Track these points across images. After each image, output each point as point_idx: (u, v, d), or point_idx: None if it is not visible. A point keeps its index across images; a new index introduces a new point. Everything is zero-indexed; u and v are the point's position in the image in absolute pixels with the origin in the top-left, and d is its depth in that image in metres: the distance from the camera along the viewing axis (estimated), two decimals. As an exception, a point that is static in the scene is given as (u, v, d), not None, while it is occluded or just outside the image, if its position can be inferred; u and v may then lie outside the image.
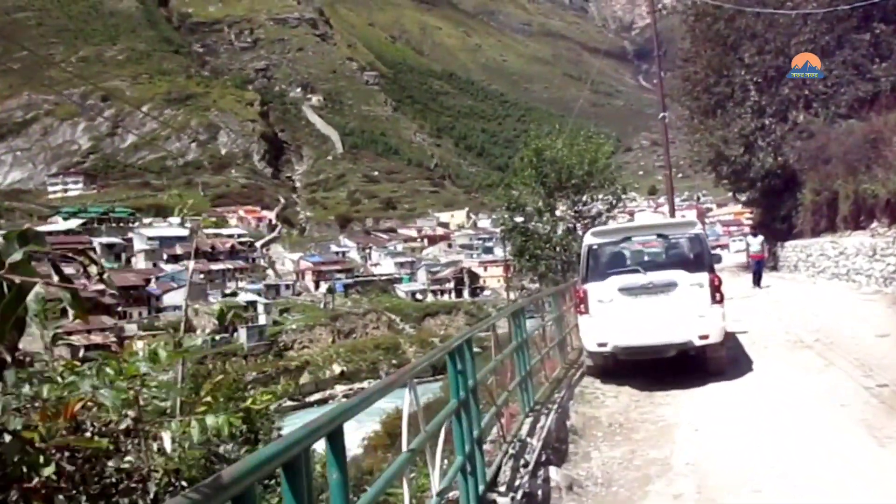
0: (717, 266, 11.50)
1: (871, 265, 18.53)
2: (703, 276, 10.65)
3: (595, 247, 11.41)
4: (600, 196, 24.39)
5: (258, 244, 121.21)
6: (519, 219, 24.04)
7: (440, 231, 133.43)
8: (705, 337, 10.51)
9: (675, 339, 10.54)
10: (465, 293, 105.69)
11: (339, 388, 76.85)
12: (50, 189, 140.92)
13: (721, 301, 10.76)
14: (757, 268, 23.32)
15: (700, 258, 11.00)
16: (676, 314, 10.52)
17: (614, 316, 10.68)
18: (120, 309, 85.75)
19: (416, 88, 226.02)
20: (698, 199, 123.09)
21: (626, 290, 10.69)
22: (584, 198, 23.76)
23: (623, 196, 24.79)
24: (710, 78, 29.83)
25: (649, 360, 11.21)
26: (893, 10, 26.23)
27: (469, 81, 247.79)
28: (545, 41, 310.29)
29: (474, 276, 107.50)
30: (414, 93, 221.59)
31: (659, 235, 11.74)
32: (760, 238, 24.46)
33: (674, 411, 9.51)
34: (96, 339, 76.35)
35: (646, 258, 12.35)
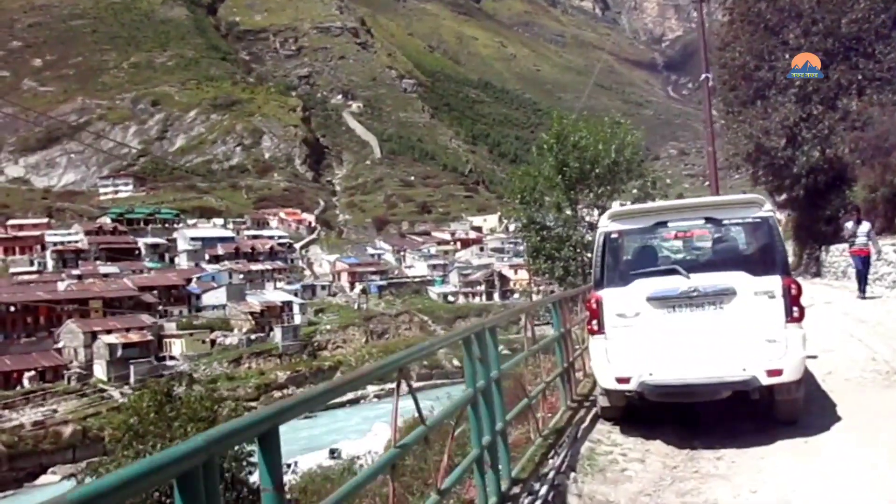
0: None
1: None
2: (775, 281, 6.90)
3: (614, 235, 7.57)
4: (627, 189, 20.44)
5: (297, 246, 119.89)
6: (536, 216, 20.29)
7: (473, 235, 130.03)
8: (776, 373, 6.71)
9: (730, 374, 6.78)
10: (496, 296, 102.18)
11: (371, 389, 74.27)
12: (101, 190, 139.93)
13: (800, 318, 6.95)
14: (863, 268, 16.42)
15: (770, 254, 7.19)
16: (734, 337, 6.84)
17: (641, 338, 7.03)
18: (161, 308, 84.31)
19: (453, 96, 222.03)
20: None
21: (660, 301, 7.02)
22: (610, 189, 19.69)
23: (652, 191, 20.71)
24: (749, 64, 25.81)
25: (691, 402, 7.57)
26: (960, -13, 22.10)
27: (504, 90, 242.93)
28: (578, 52, 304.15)
29: (504, 279, 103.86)
30: (450, 100, 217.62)
31: (708, 220, 7.53)
32: (867, 226, 16.54)
33: (732, 489, 5.92)
34: (134, 337, 74.95)
35: (689, 253, 8.52)
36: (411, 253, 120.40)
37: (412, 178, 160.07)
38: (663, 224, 7.53)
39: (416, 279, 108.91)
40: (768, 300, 6.87)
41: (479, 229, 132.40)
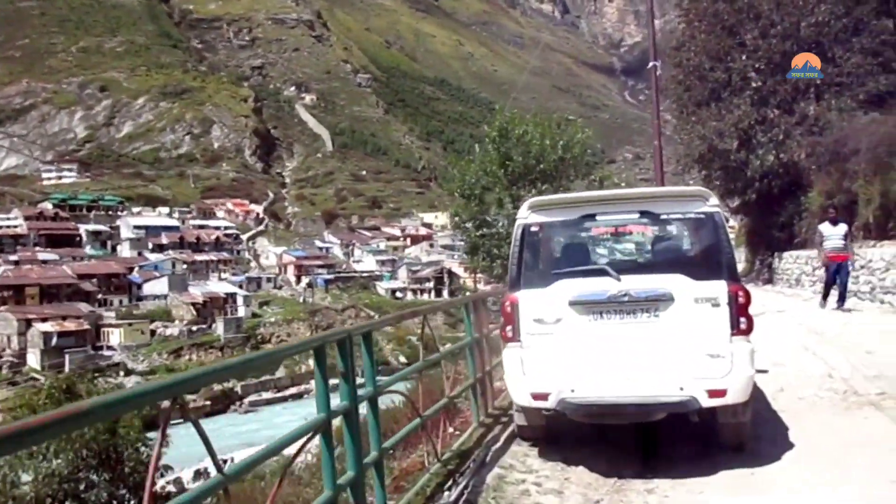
0: None
1: (912, 282, 13.89)
2: (719, 287, 5.87)
3: (534, 229, 6.43)
4: (573, 187, 19.42)
5: (244, 237, 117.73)
6: (475, 211, 19.16)
7: (423, 231, 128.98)
8: (719, 394, 5.72)
9: (665, 393, 5.77)
10: (445, 293, 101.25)
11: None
12: (44, 175, 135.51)
13: (748, 330, 5.93)
14: (836, 274, 14.42)
15: (715, 256, 6.11)
16: (670, 351, 5.83)
17: (562, 348, 5.99)
18: (100, 296, 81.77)
19: (408, 93, 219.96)
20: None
21: (585, 306, 5.98)
22: (555, 187, 18.63)
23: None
24: (705, 64, 25.12)
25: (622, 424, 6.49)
26: (920, -6, 21.64)
27: (460, 88, 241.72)
28: (536, 54, 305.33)
29: (454, 276, 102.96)
30: (405, 97, 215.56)
31: (644, 214, 6.43)
32: (844, 228, 14.61)
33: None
34: (70, 325, 72.37)
35: (621, 252, 7.44)
36: (360, 247, 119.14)
37: (364, 172, 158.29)
38: (591, 217, 6.45)
39: (365, 274, 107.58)
40: (711, 309, 5.85)
41: (429, 226, 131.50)
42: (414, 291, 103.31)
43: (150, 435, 15.32)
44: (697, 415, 5.91)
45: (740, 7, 24.41)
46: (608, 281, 6.00)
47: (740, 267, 36.48)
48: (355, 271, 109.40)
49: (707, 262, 6.22)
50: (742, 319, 5.88)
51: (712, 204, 6.23)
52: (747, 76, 23.77)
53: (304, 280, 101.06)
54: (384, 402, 6.59)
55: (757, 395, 8.03)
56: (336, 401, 4.05)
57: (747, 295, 5.98)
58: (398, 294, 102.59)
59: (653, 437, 6.61)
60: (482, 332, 7.69)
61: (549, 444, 6.65)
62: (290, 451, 4.06)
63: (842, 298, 14.47)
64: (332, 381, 4.01)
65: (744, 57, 23.80)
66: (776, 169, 22.83)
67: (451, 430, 7.35)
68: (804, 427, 6.94)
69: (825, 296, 15.02)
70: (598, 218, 6.42)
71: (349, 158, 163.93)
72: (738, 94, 23.91)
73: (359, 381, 4.40)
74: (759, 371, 9.06)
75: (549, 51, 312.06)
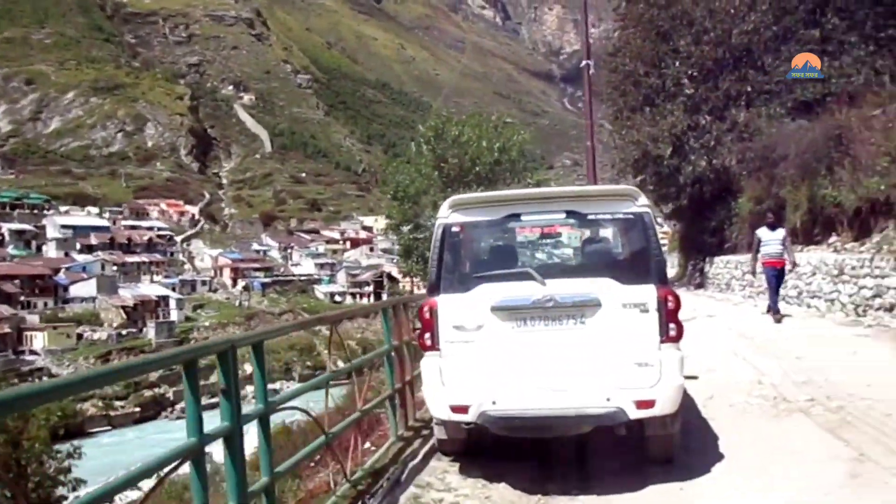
0: None
1: (836, 287, 13.97)
2: (648, 292, 5.58)
3: (455, 229, 6.02)
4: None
5: (178, 238, 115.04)
6: (409, 213, 18.72)
7: (363, 235, 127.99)
8: (648, 405, 5.42)
9: (591, 405, 5.46)
10: (384, 296, 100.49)
11: (251, 388, 71.48)
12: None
13: (678, 337, 5.65)
14: (776, 281, 13.91)
15: (644, 258, 5.84)
16: (597, 360, 5.52)
17: (483, 357, 5.63)
18: (23, 298, 78.68)
19: (349, 95, 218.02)
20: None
21: (507, 312, 5.63)
22: (491, 189, 18.36)
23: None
24: (639, 69, 25.23)
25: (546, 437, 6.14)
26: (847, 5, 22.01)
27: (402, 92, 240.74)
28: (477, 59, 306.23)
29: (394, 280, 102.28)
30: (346, 99, 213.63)
31: (571, 214, 6.10)
32: (782, 233, 14.00)
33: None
34: (-10, 328, 69.49)
35: (546, 254, 7.14)
36: (299, 250, 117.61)
37: (303, 174, 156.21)
38: (516, 217, 6.09)
39: (303, 278, 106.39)
40: (640, 314, 5.55)
41: (370, 229, 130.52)
42: (353, 295, 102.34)
43: (60, 447, 14.48)
44: (625, 427, 5.61)
45: (674, 14, 24.54)
46: (533, 285, 5.65)
47: (673, 272, 36.90)
48: (293, 275, 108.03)
49: (636, 264, 5.95)
50: (672, 325, 5.60)
51: (641, 204, 5.91)
52: (681, 82, 23.90)
53: (241, 283, 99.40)
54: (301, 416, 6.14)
55: (688, 402, 7.84)
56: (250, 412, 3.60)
57: (677, 300, 5.70)
58: (337, 298, 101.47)
59: (579, 450, 6.30)
60: (403, 339, 7.26)
61: (470, 459, 6.28)
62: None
63: (775, 303, 14.08)
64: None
65: (677, 63, 23.94)
66: (708, 174, 23.00)
67: (367, 445, 6.92)
68: (734, 436, 6.73)
69: (775, 302, 14.04)
70: (522, 218, 6.07)
71: (288, 160, 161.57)
72: (671, 100, 24.05)
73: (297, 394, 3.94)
74: (690, 378, 8.88)
75: (490, 56, 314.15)
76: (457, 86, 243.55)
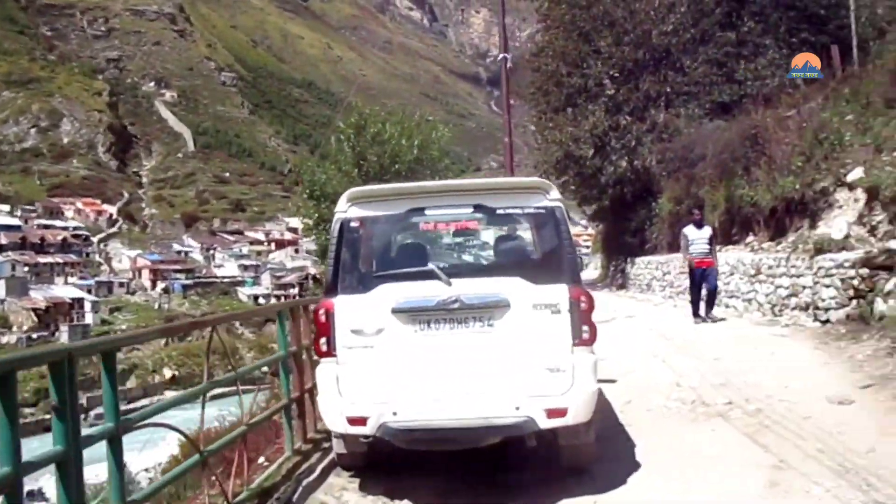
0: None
1: (754, 287, 13.95)
2: (560, 292, 5.16)
3: (354, 224, 5.54)
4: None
5: (95, 239, 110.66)
6: (326, 214, 18.01)
7: (289, 236, 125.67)
8: (559, 413, 5.02)
9: (499, 414, 5.03)
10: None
11: (170, 394, 69.55)
12: None
13: (591, 340, 5.25)
14: (703, 280, 13.32)
15: (556, 256, 5.45)
16: (505, 365, 5.10)
17: (384, 364, 5.16)
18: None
19: (275, 94, 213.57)
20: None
21: (410, 314, 5.17)
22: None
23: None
24: (562, 69, 25.17)
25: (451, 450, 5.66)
26: (762, 9, 22.38)
27: (329, 92, 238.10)
28: (405, 60, 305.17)
29: (318, 282, 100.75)
30: (272, 98, 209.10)
31: (479, 208, 5.59)
32: (709, 231, 13.60)
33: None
34: None
35: (451, 252, 6.70)
36: (222, 252, 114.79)
37: (227, 174, 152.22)
38: (420, 211, 5.59)
39: (226, 279, 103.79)
40: (551, 316, 5.13)
41: (295, 230, 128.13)
42: (277, 297, 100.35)
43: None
44: (536, 438, 5.18)
45: (595, 14, 24.57)
46: (437, 285, 5.20)
47: (596, 273, 37.14)
48: (216, 276, 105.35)
49: (547, 262, 5.56)
50: (585, 328, 5.19)
51: (553, 198, 5.50)
52: (602, 83, 23.95)
53: (161, 285, 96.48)
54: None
55: (605, 407, 7.51)
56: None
57: (590, 300, 5.29)
58: (261, 300, 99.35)
59: (490, 462, 5.86)
60: (302, 344, 6.69)
61: (372, 474, 5.79)
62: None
63: (710, 306, 13.43)
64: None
65: (599, 64, 23.97)
66: (629, 175, 23.08)
67: (262, 460, 6.33)
68: (652, 443, 6.41)
69: (695, 304, 13.56)
70: (427, 212, 5.56)
71: (212, 159, 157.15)
72: (593, 101, 24.07)
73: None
74: (607, 381, 8.58)
75: (418, 58, 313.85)
76: (384, 86, 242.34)
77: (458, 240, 6.54)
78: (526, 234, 6.05)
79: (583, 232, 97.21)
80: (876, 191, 11.53)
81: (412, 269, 5.43)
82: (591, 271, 43.55)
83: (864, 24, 19.24)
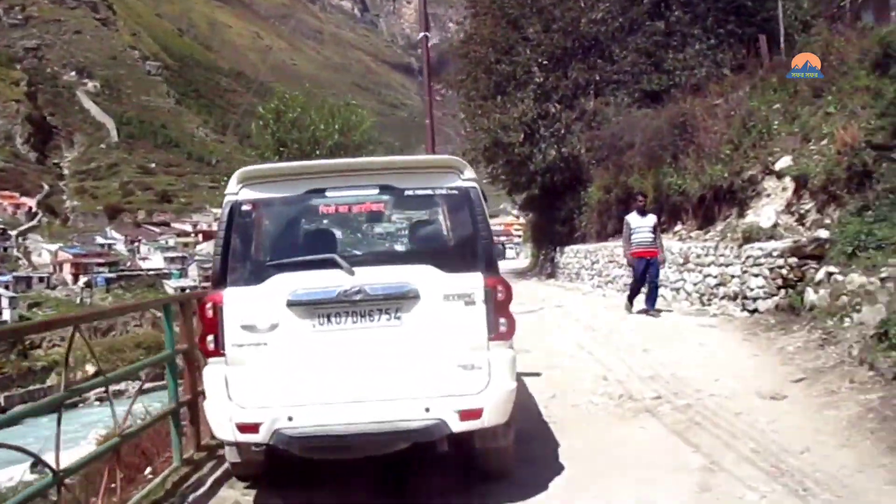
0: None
1: (682, 276, 13.74)
2: (474, 281, 4.68)
3: (246, 208, 4.93)
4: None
5: (13, 232, 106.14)
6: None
7: (217, 227, 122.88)
8: (474, 415, 4.54)
9: (406, 418, 4.52)
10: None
11: (93, 391, 67.33)
12: None
13: (509, 334, 4.78)
14: (645, 272, 12.30)
15: (469, 242, 4.93)
16: (414, 363, 4.61)
17: (279, 364, 4.58)
18: None
19: (202, 84, 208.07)
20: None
21: (307, 307, 4.61)
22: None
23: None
24: (490, 56, 24.74)
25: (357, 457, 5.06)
26: (690, 0, 22.29)
27: (258, 82, 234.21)
28: (336, 50, 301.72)
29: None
30: (199, 87, 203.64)
31: (385, 189, 5.06)
32: (653, 219, 12.64)
33: None
34: None
35: (355, 238, 6.14)
36: (147, 244, 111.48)
37: (152, 164, 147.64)
38: (319, 192, 5.02)
39: (151, 272, 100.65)
40: (464, 308, 4.63)
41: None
42: (205, 289, 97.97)
43: None
44: (448, 442, 4.64)
45: (523, 1, 24.21)
46: (339, 275, 4.64)
47: (526, 262, 36.99)
48: (141, 269, 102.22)
49: (460, 249, 5.00)
50: (502, 320, 4.68)
51: (468, 178, 4.98)
52: (531, 70, 23.60)
53: (83, 279, 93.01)
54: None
55: (528, 403, 7.06)
56: None
57: (508, 290, 4.79)
58: (188, 293, 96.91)
59: (401, 468, 5.31)
60: (194, 342, 6.01)
61: (271, 485, 5.21)
62: None
63: (651, 300, 12.39)
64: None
65: (528, 51, 23.64)
66: (558, 163, 22.80)
67: (148, 472, 5.66)
68: (576, 442, 5.98)
69: (633, 295, 12.72)
70: (327, 194, 4.99)
71: (137, 150, 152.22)
72: (522, 88, 23.71)
73: None
74: (532, 375, 8.14)
75: (349, 48, 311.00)
76: (315, 76, 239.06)
77: (363, 224, 5.91)
78: (438, 217, 5.48)
79: (515, 221, 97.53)
80: (804, 179, 11.40)
81: (310, 257, 4.87)
82: (521, 261, 43.53)
83: (790, 17, 19.30)
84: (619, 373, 8.07)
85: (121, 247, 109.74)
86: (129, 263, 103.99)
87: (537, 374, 8.25)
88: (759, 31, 18.87)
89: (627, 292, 13.09)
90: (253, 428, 4.50)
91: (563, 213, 24.14)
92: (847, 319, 8.01)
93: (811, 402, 6.35)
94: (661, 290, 13.06)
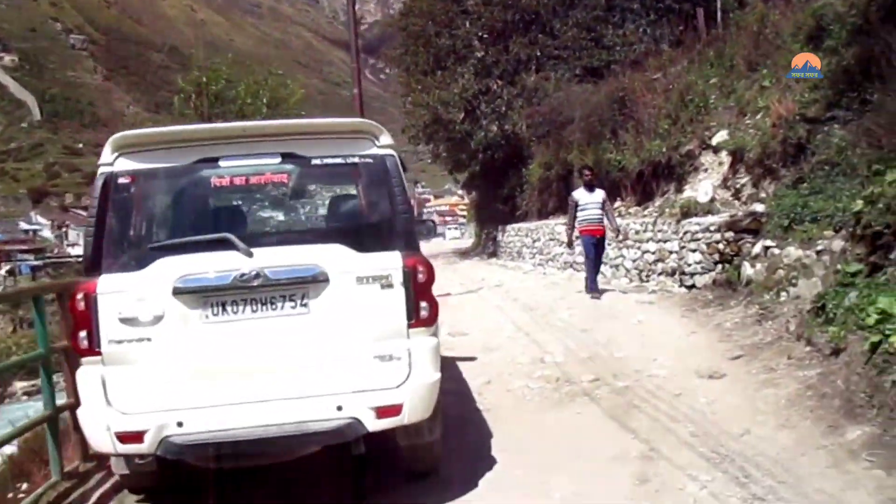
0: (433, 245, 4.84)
1: (621, 253, 13.71)
2: (391, 261, 4.27)
3: (123, 180, 4.34)
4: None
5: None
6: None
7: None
8: (392, 411, 4.17)
9: (315, 418, 4.10)
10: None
11: (20, 385, 64.82)
12: None
13: (432, 320, 4.38)
14: (595, 253, 11.79)
15: (386, 217, 4.52)
16: (323, 356, 4.18)
17: (166, 362, 4.07)
18: None
19: (132, 59, 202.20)
20: (414, 184, 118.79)
21: (198, 295, 4.13)
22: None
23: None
24: (430, 30, 24.36)
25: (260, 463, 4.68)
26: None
27: (192, 57, 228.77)
28: (275, 26, 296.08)
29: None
30: (129, 63, 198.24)
31: (289, 158, 4.49)
32: (601, 195, 11.96)
33: None
34: None
35: (253, 214, 5.66)
36: (76, 229, 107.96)
37: (80, 145, 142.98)
38: (211, 162, 4.41)
39: (80, 258, 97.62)
40: (381, 291, 4.23)
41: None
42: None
43: None
44: (364, 442, 4.25)
45: (464, -28, 23.87)
46: (234, 257, 4.15)
47: (469, 242, 36.84)
48: (69, 256, 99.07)
49: (376, 225, 4.60)
50: (423, 304, 4.29)
51: (384, 144, 4.53)
52: (471, 44, 23.31)
53: (5, 267, 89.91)
54: None
55: (462, 390, 6.85)
56: None
57: (430, 270, 4.39)
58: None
59: (313, 469, 4.98)
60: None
61: (167, 496, 4.82)
62: None
63: (594, 278, 11.81)
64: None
65: (468, 24, 23.33)
66: (499, 140, 22.60)
67: (22, 489, 5.19)
68: (511, 432, 5.76)
69: (592, 277, 11.81)
70: (221, 164, 4.40)
71: (62, 129, 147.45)
72: (462, 63, 23.42)
73: None
74: (466, 359, 7.93)
75: (290, 23, 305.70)
76: (254, 53, 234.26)
77: (263, 198, 5.44)
78: (350, 190, 5.10)
79: (460, 201, 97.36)
80: (740, 153, 11.43)
81: (201, 237, 4.33)
82: (466, 240, 43.45)
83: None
84: (557, 354, 7.90)
85: (47, 232, 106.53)
86: (56, 250, 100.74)
87: (473, 359, 8.05)
88: (697, 5, 18.89)
89: (586, 279, 12.00)
90: (136, 437, 4.01)
91: (504, 191, 23.99)
92: (784, 294, 7.99)
93: (750, 380, 6.27)
94: (601, 268, 12.83)
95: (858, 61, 8.81)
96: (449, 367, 7.71)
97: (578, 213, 11.84)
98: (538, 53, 22.54)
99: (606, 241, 12.31)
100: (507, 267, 20.21)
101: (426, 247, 5.79)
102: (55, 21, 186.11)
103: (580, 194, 11.98)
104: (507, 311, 11.09)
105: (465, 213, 70.21)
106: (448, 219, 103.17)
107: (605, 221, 11.86)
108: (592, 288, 11.66)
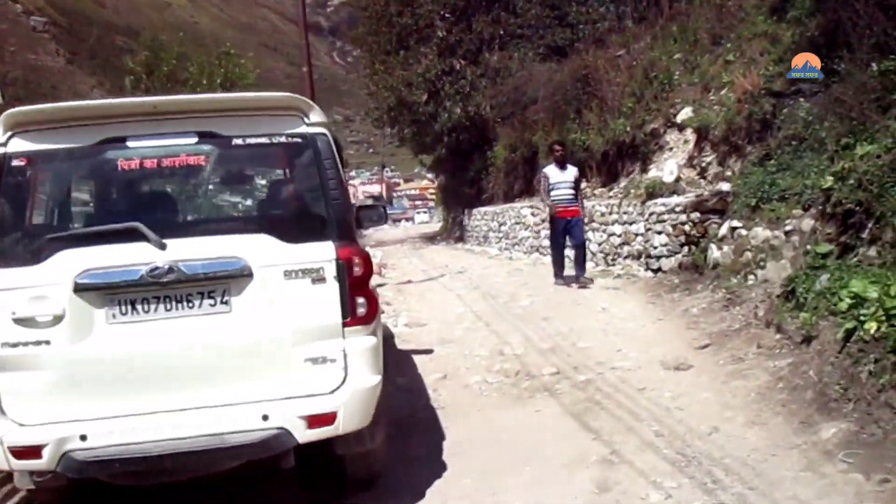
0: (397, 233, 4.28)
1: (587, 236, 13.28)
2: (323, 252, 3.79)
3: (18, 163, 3.70)
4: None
5: None
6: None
7: None
8: (325, 420, 3.68)
9: (237, 429, 3.60)
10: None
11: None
12: None
13: (370, 318, 3.92)
14: (567, 234, 10.85)
15: (316, 203, 3.98)
16: (247, 360, 3.70)
17: (66, 368, 3.55)
18: None
19: (96, 42, 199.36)
20: (382, 167, 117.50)
21: (103, 292, 3.59)
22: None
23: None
24: (392, 8, 23.70)
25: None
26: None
27: (157, 40, 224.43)
28: (240, 8, 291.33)
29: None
30: (93, 46, 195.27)
31: (206, 137, 3.89)
32: (574, 172, 11.11)
33: None
34: None
35: (167, 201, 5.02)
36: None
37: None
38: (118, 142, 3.85)
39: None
40: (311, 286, 3.76)
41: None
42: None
43: None
44: (294, 456, 3.80)
45: (425, -50, 23.20)
46: (145, 249, 3.64)
47: (437, 227, 36.28)
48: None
49: (306, 213, 4.10)
50: (360, 300, 3.83)
51: (314, 122, 4.02)
52: (433, 23, 22.69)
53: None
54: None
55: (416, 386, 6.40)
56: None
57: (367, 262, 3.95)
58: None
59: (242, 478, 4.49)
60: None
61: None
62: None
63: (581, 266, 10.75)
64: None
65: (430, 2, 22.70)
66: (463, 122, 22.06)
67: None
68: (465, 433, 5.32)
69: (559, 263, 11.05)
70: (129, 144, 3.85)
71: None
72: (425, 43, 22.81)
73: None
74: (422, 352, 7.48)
75: (255, 5, 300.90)
76: (218, 35, 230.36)
77: (178, 183, 4.85)
78: (277, 173, 4.57)
79: (430, 185, 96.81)
80: (705, 130, 11.06)
81: (106, 226, 3.82)
82: (435, 225, 42.93)
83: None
84: (517, 346, 7.46)
85: None
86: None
87: (430, 352, 7.60)
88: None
89: (552, 265, 11.21)
90: (33, 452, 3.52)
91: (470, 174, 23.50)
92: (751, 277, 7.64)
93: (718, 371, 5.89)
94: (586, 253, 11.82)
95: (823, 31, 8.44)
96: (404, 361, 7.28)
97: (552, 192, 10.94)
98: (501, 32, 22.01)
99: (583, 222, 11.29)
100: (473, 252, 19.75)
101: (393, 232, 5.29)
102: (15, 3, 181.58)
103: (552, 171, 11.05)
104: (468, 299, 10.61)
105: (434, 197, 69.70)
106: (418, 203, 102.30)
107: (579, 202, 11.04)
108: (558, 274, 10.98)
